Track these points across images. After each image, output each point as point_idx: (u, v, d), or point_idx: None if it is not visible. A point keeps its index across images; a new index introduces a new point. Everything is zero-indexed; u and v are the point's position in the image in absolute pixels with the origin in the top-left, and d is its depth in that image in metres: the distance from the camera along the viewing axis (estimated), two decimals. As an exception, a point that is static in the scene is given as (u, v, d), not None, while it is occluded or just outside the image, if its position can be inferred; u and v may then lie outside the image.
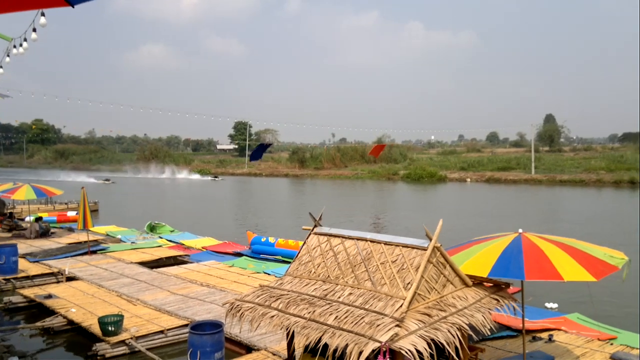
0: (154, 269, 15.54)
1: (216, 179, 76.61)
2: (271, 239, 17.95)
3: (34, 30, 12.15)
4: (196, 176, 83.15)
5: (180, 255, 17.89)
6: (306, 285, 6.67)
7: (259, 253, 17.83)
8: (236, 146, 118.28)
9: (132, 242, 20.42)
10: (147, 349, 9.44)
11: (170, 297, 12.31)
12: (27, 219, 23.50)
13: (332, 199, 48.25)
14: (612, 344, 8.88)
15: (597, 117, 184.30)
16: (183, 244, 19.99)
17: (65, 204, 33.75)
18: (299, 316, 5.98)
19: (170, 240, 20.76)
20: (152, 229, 23.61)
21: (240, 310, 6.62)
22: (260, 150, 32.49)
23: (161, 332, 10.02)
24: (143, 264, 16.45)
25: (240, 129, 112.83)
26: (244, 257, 17.50)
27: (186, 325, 9.93)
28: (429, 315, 5.63)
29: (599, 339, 9.07)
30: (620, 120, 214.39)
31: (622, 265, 6.73)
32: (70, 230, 23.34)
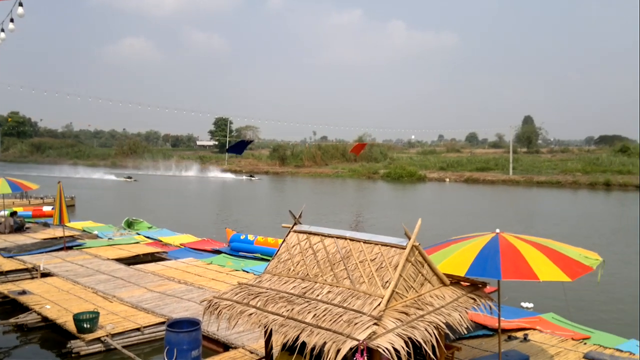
0: (131, 266, 15.37)
1: (252, 178, 70.40)
2: (250, 237, 17.87)
3: (12, 20, 11.91)
4: (228, 175, 77.28)
5: (158, 252, 17.72)
6: (285, 283, 6.65)
7: (237, 250, 17.74)
8: (216, 142, 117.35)
9: (109, 238, 20.16)
10: (123, 347, 9.33)
11: (147, 294, 12.18)
12: (2, 213, 23.05)
13: (312, 197, 48.25)
14: (585, 344, 9.04)
15: (574, 120, 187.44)
16: (161, 241, 19.80)
17: (41, 198, 33.17)
18: (277, 314, 5.97)
19: (148, 237, 20.54)
20: (130, 225, 23.32)
21: (218, 307, 6.58)
22: (241, 145, 32.28)
23: (138, 329, 9.91)
24: (120, 260, 16.25)
25: (221, 125, 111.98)
26: (223, 254, 17.40)
27: (163, 323, 9.83)
28: (406, 313, 5.66)
29: (572, 339, 9.23)
30: (597, 123, 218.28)
31: (596, 266, 6.85)
32: (46, 225, 22.95)
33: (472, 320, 9.22)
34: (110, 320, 10.16)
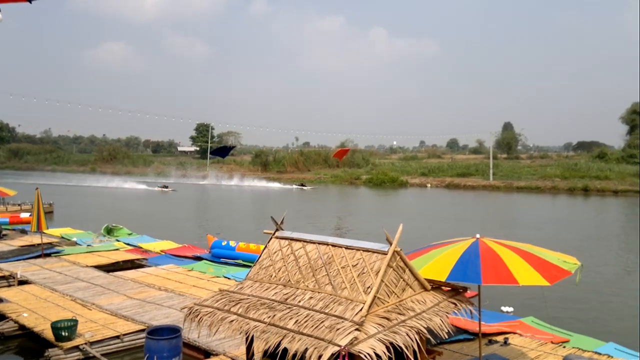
0: (110, 273, 15.16)
1: (304, 188, 64.16)
2: (232, 243, 17.77)
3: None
4: (275, 184, 70.36)
5: (137, 259, 17.51)
6: (266, 289, 6.62)
7: (219, 257, 17.63)
8: (198, 148, 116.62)
9: (87, 245, 19.88)
10: (102, 355, 9.20)
11: (127, 302, 12.02)
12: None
13: (294, 202, 48.19)
14: (564, 347, 9.15)
15: (553, 126, 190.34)
16: (141, 247, 19.58)
17: (19, 205, 32.60)
18: (258, 321, 5.94)
19: (127, 244, 20.29)
20: (109, 231, 23.04)
21: (198, 314, 6.52)
22: (224, 150, 32.20)
23: (117, 337, 9.77)
24: (99, 267, 16.03)
25: (202, 131, 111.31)
26: (204, 261, 17.27)
27: (143, 330, 9.70)
28: (388, 319, 5.67)
29: (552, 342, 9.33)
30: (575, 130, 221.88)
31: (575, 270, 6.95)
32: (23, 232, 22.54)
33: (453, 325, 9.30)
34: (89, 328, 10.01)
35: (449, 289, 7.10)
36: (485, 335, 9.29)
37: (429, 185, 68.12)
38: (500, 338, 9.43)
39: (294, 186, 65.94)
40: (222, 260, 17.39)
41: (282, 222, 7.36)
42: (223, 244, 17.87)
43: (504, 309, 12.59)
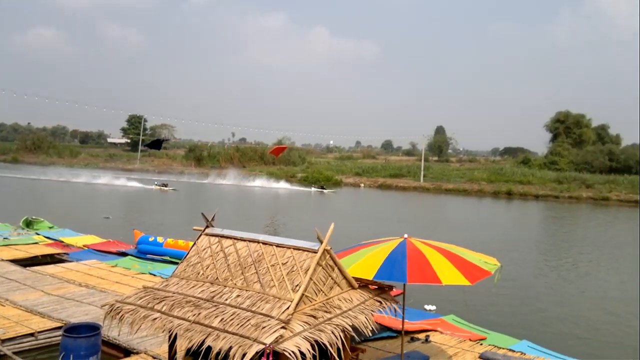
0: (28, 267, 14.36)
1: (324, 191, 57.85)
2: (160, 239, 17.28)
3: None
4: (287, 185, 64.29)
5: (58, 254, 16.69)
6: (193, 287, 6.49)
7: (145, 253, 17.09)
8: (129, 140, 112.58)
9: (4, 238, 18.73)
10: (14, 353, 8.69)
11: (44, 298, 11.44)
12: None
13: (228, 199, 47.60)
14: (481, 344, 9.57)
15: (482, 132, 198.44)
16: (62, 242, 18.68)
17: None
18: (182, 319, 5.80)
19: (48, 237, 19.30)
20: (29, 224, 21.82)
21: (120, 312, 6.30)
22: (157, 143, 31.34)
23: (31, 334, 9.27)
24: (15, 261, 15.15)
25: (135, 123, 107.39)
26: (129, 256, 16.70)
27: (60, 328, 9.26)
28: (314, 317, 5.71)
29: (470, 340, 9.73)
30: (503, 136, 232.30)
31: (494, 271, 7.27)
32: None
33: (377, 323, 9.48)
34: (1, 325, 9.44)
35: (376, 287, 7.24)
36: (407, 332, 9.54)
37: (362, 185, 69.24)
38: (422, 336, 9.72)
39: (313, 189, 58.75)
40: (149, 256, 16.89)
41: (213, 219, 7.24)
42: (150, 239, 17.35)
43: (427, 307, 13.01)
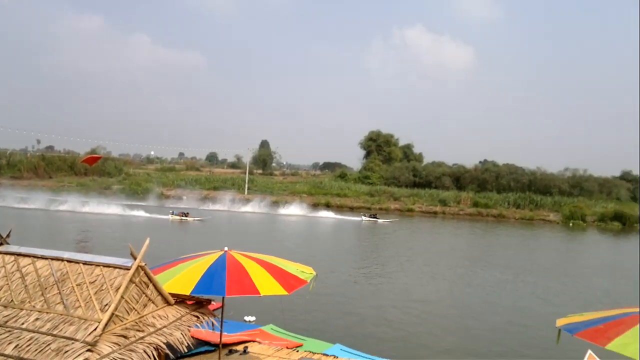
0: None
1: (375, 219, 50.52)
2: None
3: None
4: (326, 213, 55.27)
5: None
6: (-19, 312, 5.75)
7: None
8: None
9: None
10: None
11: None
12: None
13: (31, 212, 42.84)
14: (298, 351, 9.98)
15: (304, 147, 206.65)
16: None
17: None
18: (-33, 349, 5.12)
19: None
20: None
21: None
22: None
23: None
24: None
25: None
26: None
27: None
28: (125, 336, 5.45)
29: (287, 347, 10.09)
30: (323, 151, 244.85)
31: (310, 279, 7.66)
32: None
33: (194, 338, 9.34)
34: None
35: (193, 302, 7.15)
36: (226, 345, 9.55)
37: (185, 197, 67.54)
38: (240, 347, 9.82)
39: (363, 218, 51.84)
40: None
41: (8, 235, 6.50)
42: None
43: (247, 318, 13.18)
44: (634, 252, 38.33)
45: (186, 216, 42.07)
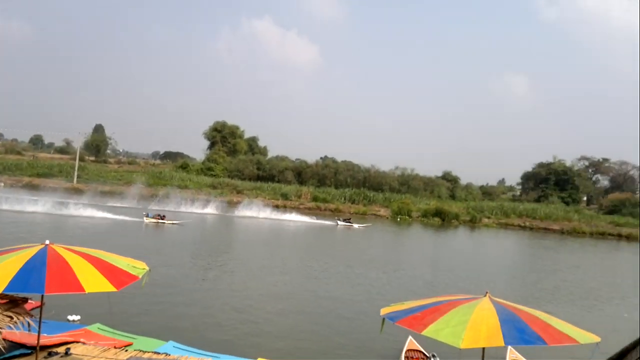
0: None
1: (349, 223, 48.80)
2: None
3: None
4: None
5: None
6: None
7: None
8: None
9: None
10: None
11: None
12: None
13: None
14: (127, 350, 9.52)
15: (144, 133, 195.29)
16: None
17: None
18: None
19: None
20: None
21: None
22: None
23: None
24: None
25: None
26: None
27: None
28: None
29: (115, 347, 9.57)
30: (165, 139, 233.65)
31: (142, 275, 7.34)
32: None
33: (7, 340, 8.44)
34: None
35: (6, 301, 6.46)
36: (45, 347, 8.79)
37: (2, 184, 60.36)
38: (62, 349, 9.09)
39: (339, 222, 49.49)
40: None
41: None
42: None
43: (71, 317, 12.23)
44: (450, 246, 43.09)
45: (162, 218, 38.66)
